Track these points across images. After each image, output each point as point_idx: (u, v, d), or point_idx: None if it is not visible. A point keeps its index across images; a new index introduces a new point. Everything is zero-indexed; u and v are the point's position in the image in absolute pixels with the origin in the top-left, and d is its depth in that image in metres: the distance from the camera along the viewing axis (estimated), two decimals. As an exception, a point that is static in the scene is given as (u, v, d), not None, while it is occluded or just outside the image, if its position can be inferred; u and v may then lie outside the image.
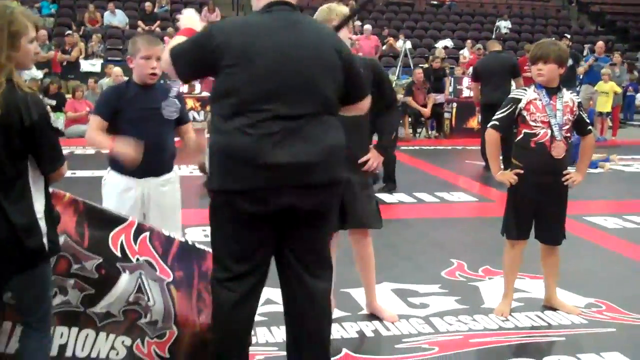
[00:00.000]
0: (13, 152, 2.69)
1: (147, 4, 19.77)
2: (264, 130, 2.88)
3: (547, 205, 4.30)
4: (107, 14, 19.28)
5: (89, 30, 18.29)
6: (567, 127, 4.26)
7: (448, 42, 20.24)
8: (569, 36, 14.19)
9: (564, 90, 4.35)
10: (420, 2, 23.98)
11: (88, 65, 16.02)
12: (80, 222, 3.21)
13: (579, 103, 4.39)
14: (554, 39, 4.62)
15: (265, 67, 2.92)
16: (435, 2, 24.04)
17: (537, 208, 4.31)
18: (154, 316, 3.27)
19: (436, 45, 19.23)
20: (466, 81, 13.99)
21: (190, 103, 12.82)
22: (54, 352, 3.16)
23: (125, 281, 3.21)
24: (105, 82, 13.45)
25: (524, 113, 4.25)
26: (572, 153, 4.80)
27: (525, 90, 4.35)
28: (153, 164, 3.99)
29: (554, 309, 4.49)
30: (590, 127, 4.49)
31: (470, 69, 16.88)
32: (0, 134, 2.65)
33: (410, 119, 13.46)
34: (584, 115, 4.42)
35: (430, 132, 14.04)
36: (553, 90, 4.28)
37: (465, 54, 18.77)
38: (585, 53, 17.02)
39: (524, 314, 4.42)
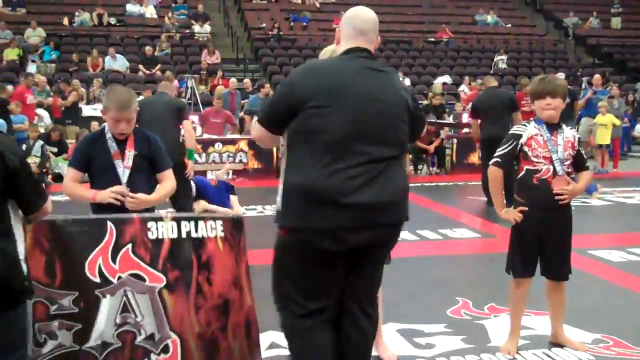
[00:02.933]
0: None
1: (148, 48, 19.97)
2: (352, 172, 2.99)
3: (551, 241, 4.28)
4: (107, 58, 19.47)
5: (89, 76, 18.44)
6: (569, 162, 4.26)
7: (446, 79, 20.43)
8: (563, 75, 14.29)
9: (564, 125, 4.37)
10: (417, 40, 24.19)
11: (90, 110, 16.11)
12: (50, 262, 3.23)
13: (579, 139, 4.40)
14: (551, 74, 4.63)
15: (354, 108, 3.04)
16: (432, 39, 24.27)
17: (541, 244, 4.30)
18: (148, 330, 3.30)
19: (434, 81, 19.37)
20: (466, 117, 14.05)
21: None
22: None
23: (107, 305, 3.25)
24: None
25: (525, 149, 4.25)
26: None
27: (525, 125, 4.36)
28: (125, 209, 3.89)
29: (561, 346, 4.45)
30: (587, 163, 4.49)
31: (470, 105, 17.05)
32: None
33: (411, 156, 13.51)
34: (582, 151, 4.42)
35: (431, 169, 14.07)
36: (554, 126, 4.30)
37: (465, 90, 18.89)
38: (583, 86, 17.13)
39: (531, 352, 4.37)
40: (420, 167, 14.04)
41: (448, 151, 14.07)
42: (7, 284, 2.70)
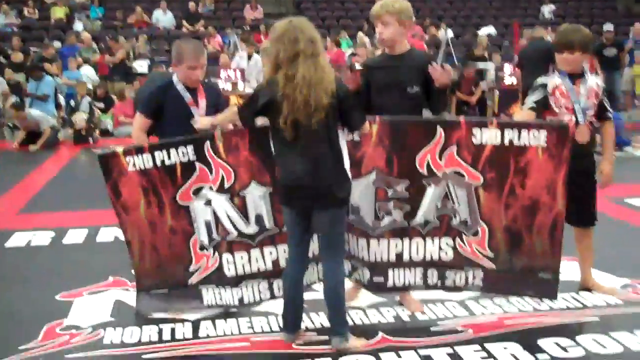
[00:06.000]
0: None
1: (191, 4, 20.06)
2: None
3: (576, 189, 4.30)
4: (158, 12, 19.60)
5: (135, 32, 18.65)
6: (591, 111, 4.29)
7: (491, 29, 20.05)
8: (612, 28, 13.94)
9: (587, 74, 4.38)
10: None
11: (136, 67, 16.36)
12: (389, 155, 3.97)
13: (604, 88, 4.39)
14: (577, 25, 4.57)
15: None
16: (477, -11, 23.82)
17: (567, 192, 4.35)
18: (462, 216, 4.02)
19: (479, 33, 19.08)
20: (507, 68, 13.91)
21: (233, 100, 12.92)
22: (392, 258, 4.11)
23: (430, 193, 4.00)
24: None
25: (550, 99, 4.30)
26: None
27: (549, 76, 4.39)
28: None
29: (590, 290, 4.53)
30: (610, 113, 4.45)
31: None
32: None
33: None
34: (606, 102, 4.40)
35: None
36: (577, 76, 4.32)
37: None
38: (631, 36, 16.72)
39: (559, 295, 4.44)
40: (463, 119, 13.97)
41: (489, 103, 13.98)
42: (333, 191, 3.56)
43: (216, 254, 4.14)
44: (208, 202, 4.07)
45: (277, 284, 4.11)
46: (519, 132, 3.92)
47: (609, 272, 4.79)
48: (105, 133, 13.16)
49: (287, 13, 21.39)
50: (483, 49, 15.08)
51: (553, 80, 4.33)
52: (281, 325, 3.95)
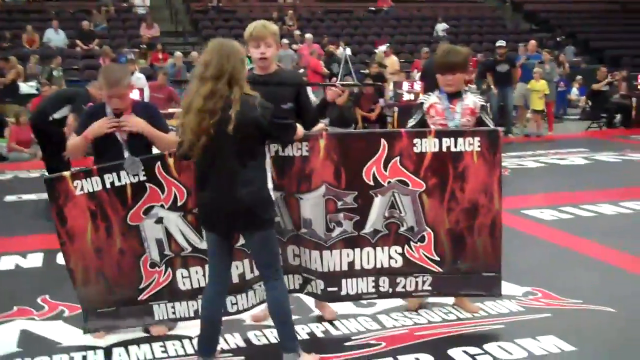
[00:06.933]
0: None
1: (85, 23, 19.60)
2: None
3: None
4: (49, 31, 19.06)
5: (25, 52, 18.08)
6: (465, 128, 4.41)
7: (387, 47, 20.52)
8: (504, 44, 14.47)
9: (468, 94, 4.54)
10: (358, 9, 24.31)
11: (27, 88, 15.82)
12: (337, 168, 4.10)
13: (482, 106, 4.52)
14: (454, 46, 4.74)
15: None
16: (373, 8, 24.41)
17: None
18: (409, 223, 4.21)
19: (376, 50, 19.52)
20: (406, 85, 14.27)
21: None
22: (344, 267, 4.25)
23: (378, 203, 4.17)
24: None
25: (426, 117, 4.48)
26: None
27: (429, 95, 4.56)
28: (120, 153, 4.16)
29: (494, 300, 4.69)
30: (493, 127, 4.49)
31: (415, 72, 17.29)
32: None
33: (353, 127, 13.67)
34: (485, 117, 4.51)
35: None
36: (455, 95, 4.47)
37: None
38: (520, 52, 17.45)
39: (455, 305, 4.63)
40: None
41: (389, 119, 14.29)
42: (256, 214, 3.56)
43: (169, 269, 4.17)
44: (159, 220, 4.10)
45: (230, 299, 4.17)
46: (455, 140, 4.16)
47: (510, 281, 4.98)
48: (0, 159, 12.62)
49: (183, 31, 21.28)
50: (377, 67, 15.40)
51: (430, 99, 4.52)
52: (196, 348, 3.92)
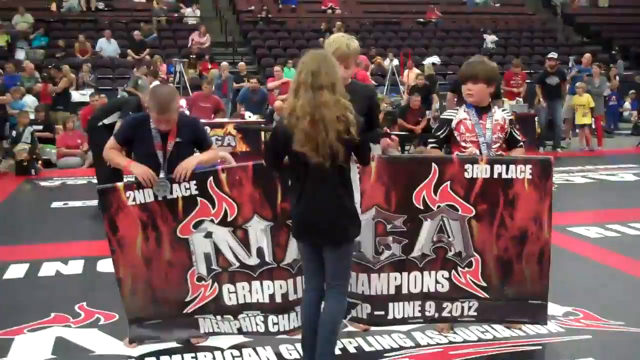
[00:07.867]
0: None
1: (136, 33, 19.97)
2: None
3: None
4: (102, 41, 19.48)
5: (78, 61, 18.45)
6: (497, 145, 4.35)
7: (435, 59, 20.41)
8: (555, 55, 14.21)
9: (495, 108, 4.46)
10: (406, 21, 24.23)
11: (79, 96, 16.14)
12: (387, 192, 4.13)
13: (510, 120, 4.45)
14: (483, 57, 4.70)
15: None
16: (421, 20, 24.30)
17: None
18: (457, 248, 4.19)
19: (424, 62, 19.41)
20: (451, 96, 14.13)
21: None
22: (392, 291, 4.24)
23: (427, 227, 4.15)
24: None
25: (455, 134, 4.39)
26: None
27: (456, 110, 4.48)
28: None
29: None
30: (521, 142, 4.51)
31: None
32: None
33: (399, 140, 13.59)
34: (515, 133, 4.46)
35: (420, 148, 14.13)
36: (483, 109, 4.40)
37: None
38: (570, 64, 17.19)
39: (503, 324, 4.53)
40: (407, 147, 14.14)
41: (435, 131, 14.14)
42: (348, 227, 3.58)
43: (215, 284, 4.19)
44: (208, 235, 4.13)
45: (272, 319, 4.19)
46: (507, 167, 4.14)
47: (551, 300, 4.85)
48: (48, 164, 12.90)
49: (233, 42, 21.48)
50: (424, 78, 15.23)
51: (458, 115, 4.42)
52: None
